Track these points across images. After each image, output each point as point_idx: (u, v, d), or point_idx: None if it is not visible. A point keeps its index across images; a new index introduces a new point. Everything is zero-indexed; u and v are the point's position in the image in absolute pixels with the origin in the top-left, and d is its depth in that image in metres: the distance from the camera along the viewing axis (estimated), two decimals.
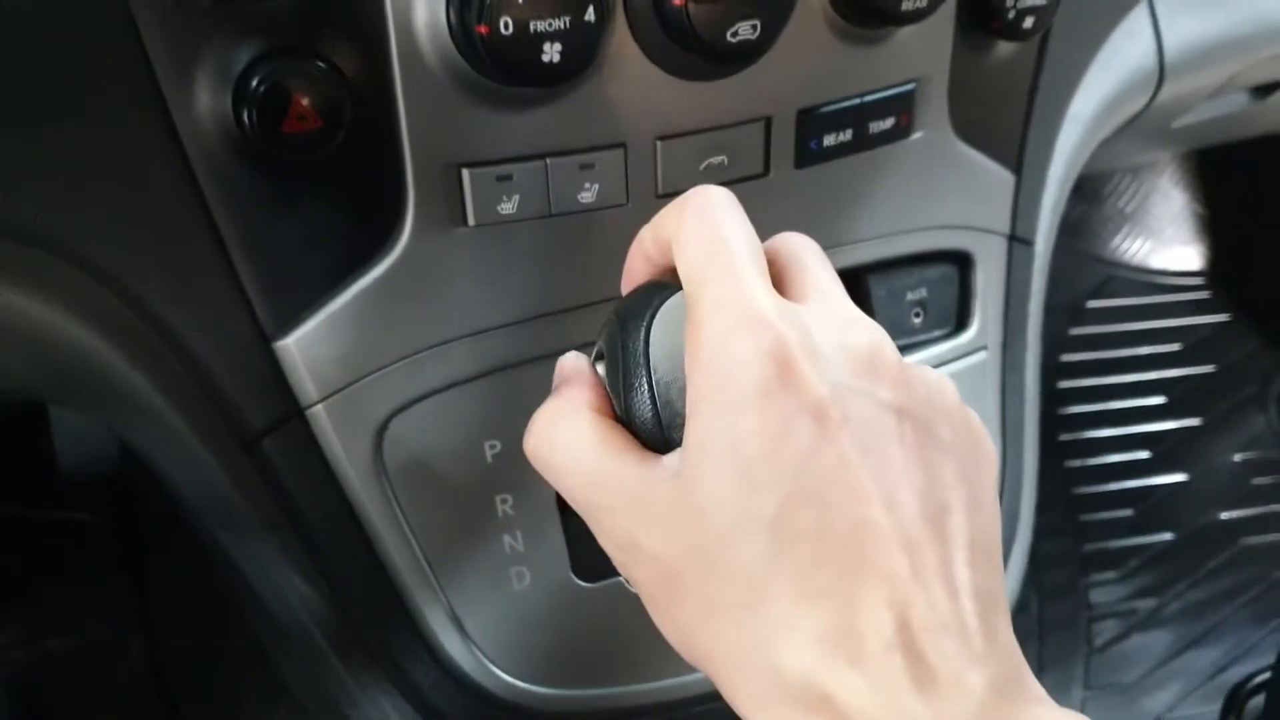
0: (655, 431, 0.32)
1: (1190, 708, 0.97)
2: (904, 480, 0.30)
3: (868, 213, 0.49)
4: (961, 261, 0.53)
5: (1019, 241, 0.55)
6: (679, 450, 0.31)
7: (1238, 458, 1.14)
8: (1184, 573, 1.05)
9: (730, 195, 0.33)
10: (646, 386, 0.32)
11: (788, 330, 0.30)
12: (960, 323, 0.53)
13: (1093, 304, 1.23)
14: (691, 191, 0.33)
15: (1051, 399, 1.15)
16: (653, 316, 0.33)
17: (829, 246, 0.48)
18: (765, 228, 0.47)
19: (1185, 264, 1.27)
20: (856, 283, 0.51)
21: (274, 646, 0.54)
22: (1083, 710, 0.97)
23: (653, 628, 0.46)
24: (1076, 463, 1.11)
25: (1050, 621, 1.00)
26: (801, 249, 0.35)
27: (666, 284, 0.34)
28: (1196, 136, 0.91)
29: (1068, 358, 1.20)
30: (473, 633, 0.44)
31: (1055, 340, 1.21)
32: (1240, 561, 1.06)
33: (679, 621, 0.31)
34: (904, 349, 0.52)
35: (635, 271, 0.36)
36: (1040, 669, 0.96)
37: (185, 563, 0.76)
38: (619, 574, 0.45)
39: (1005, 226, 0.54)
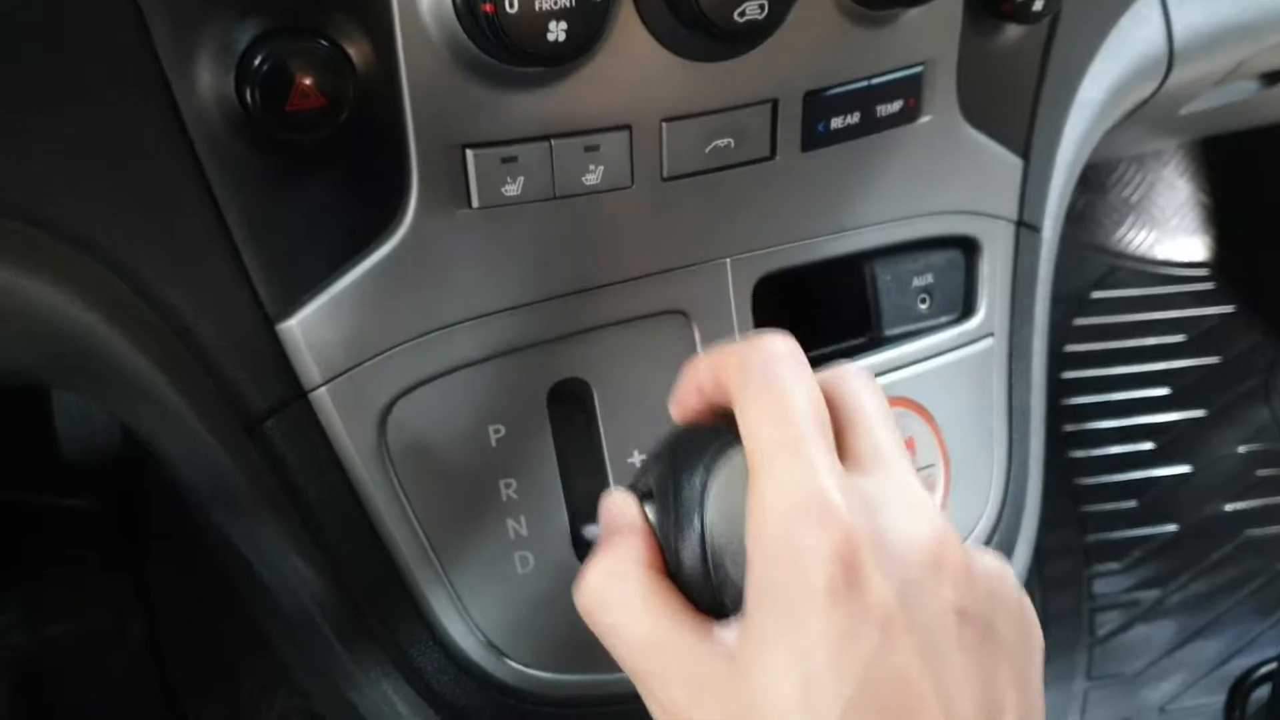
0: (705, 590, 0.31)
1: (1193, 699, 0.97)
2: (963, 688, 0.30)
3: (874, 197, 0.48)
4: (968, 247, 0.53)
5: (1026, 227, 0.54)
6: (736, 623, 0.30)
7: (1241, 449, 1.14)
8: (1187, 564, 1.05)
9: (795, 348, 0.33)
10: (700, 545, 0.31)
11: (855, 523, 0.29)
12: (967, 309, 0.53)
13: (1097, 295, 1.23)
14: (756, 342, 0.33)
15: (1055, 390, 1.15)
16: (710, 468, 0.32)
17: (835, 231, 0.48)
18: (772, 211, 0.47)
19: (1190, 255, 1.27)
20: (862, 268, 0.51)
21: (276, 630, 0.54)
22: (1085, 701, 0.97)
23: None
24: (1080, 453, 1.11)
25: (1053, 612, 1.00)
26: (862, 396, 0.34)
27: (723, 430, 0.33)
28: (1204, 124, 0.91)
29: (1072, 348, 1.20)
30: (476, 617, 0.44)
31: (1059, 331, 1.21)
32: (1244, 553, 1.06)
33: None
34: (910, 335, 0.52)
35: (687, 403, 0.35)
36: (1044, 659, 0.95)
37: (186, 548, 0.76)
38: None
39: (1013, 212, 0.53)
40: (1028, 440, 0.55)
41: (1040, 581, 1.01)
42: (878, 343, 0.51)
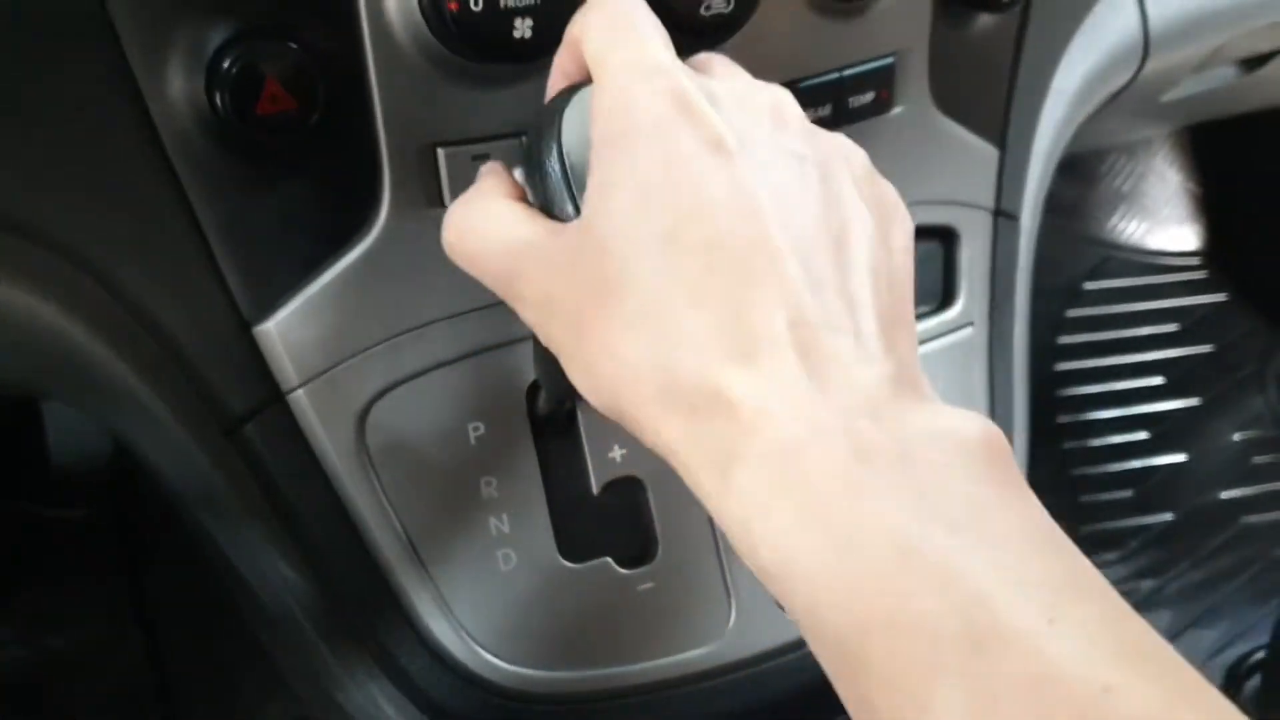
0: (566, 208, 0.32)
1: None
2: (801, 208, 0.30)
3: None
4: (946, 237, 0.53)
5: (1004, 216, 0.54)
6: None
7: (1237, 437, 1.14)
8: (1184, 553, 1.05)
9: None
10: (558, 164, 0.32)
11: (688, 79, 0.31)
12: (946, 298, 0.53)
13: (1090, 285, 1.23)
14: None
15: (1050, 381, 1.15)
16: (562, 104, 0.33)
17: None
18: None
19: (1182, 244, 1.27)
20: None
21: (264, 634, 0.54)
22: None
23: (642, 608, 0.46)
24: (1075, 444, 1.11)
25: None
26: (711, 55, 0.36)
27: (582, 83, 0.34)
28: (1189, 111, 0.91)
29: (1065, 340, 1.20)
30: (460, 616, 0.44)
31: (1053, 323, 1.21)
32: (1240, 541, 1.06)
33: (587, 361, 0.31)
34: None
35: (555, 90, 0.36)
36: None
37: (182, 557, 0.77)
38: (605, 554, 0.46)
39: (990, 201, 0.54)
40: (1010, 428, 0.55)
41: None
42: None
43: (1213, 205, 1.27)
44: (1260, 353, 1.20)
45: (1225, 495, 1.09)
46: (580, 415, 0.45)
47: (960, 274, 0.53)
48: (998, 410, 0.54)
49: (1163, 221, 1.27)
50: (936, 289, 0.53)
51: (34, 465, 0.78)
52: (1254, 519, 1.08)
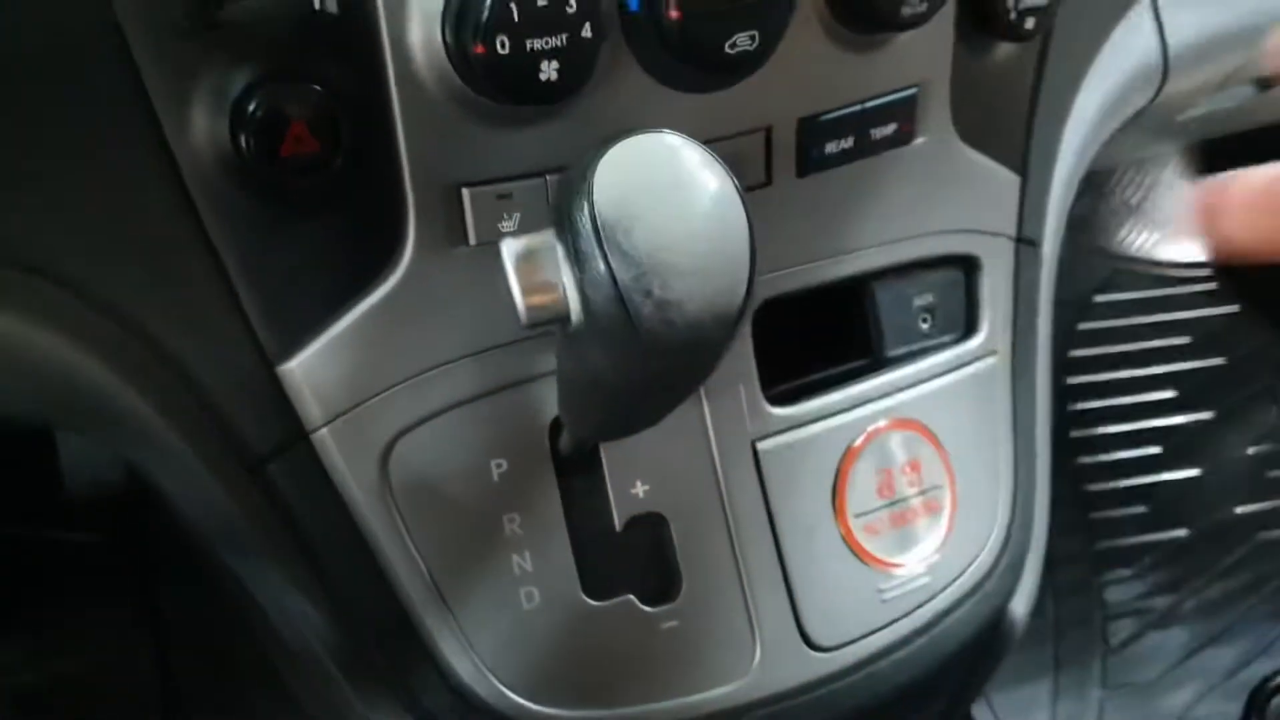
0: (598, 265, 0.31)
1: (1210, 706, 0.96)
2: None
3: (872, 219, 0.48)
4: (968, 265, 0.52)
5: (1026, 243, 0.54)
6: None
7: (1251, 451, 1.13)
8: (1200, 569, 1.04)
9: None
10: (590, 220, 0.31)
11: None
12: (969, 328, 0.53)
13: (1100, 298, 1.22)
14: None
15: (1061, 395, 1.15)
16: (596, 160, 0.32)
17: (833, 254, 0.48)
18: (769, 237, 0.47)
19: (1193, 256, 1.26)
20: (862, 290, 0.51)
21: (282, 664, 0.54)
22: (1101, 710, 0.97)
23: (666, 646, 0.46)
24: (1088, 459, 1.10)
25: (1065, 620, 0.99)
26: None
27: (615, 136, 0.32)
28: (1203, 128, 0.90)
29: (1076, 353, 1.19)
30: (483, 654, 0.44)
31: (1063, 336, 1.20)
32: (1257, 556, 1.05)
33: None
34: (912, 355, 0.52)
35: None
36: (1057, 667, 0.95)
37: (193, 581, 0.76)
38: (628, 591, 0.46)
39: (1012, 229, 0.53)
40: (1034, 456, 0.54)
41: (1052, 589, 1.01)
42: (880, 364, 0.51)
43: None
44: (1272, 366, 1.20)
45: (1240, 510, 1.09)
46: (603, 451, 0.45)
47: (983, 303, 0.53)
48: (1020, 440, 0.54)
49: (1174, 234, 1.26)
50: (959, 319, 0.53)
51: (47, 489, 0.78)
52: (1271, 534, 1.07)
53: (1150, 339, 1.22)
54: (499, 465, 0.44)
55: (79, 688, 0.78)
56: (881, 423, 0.50)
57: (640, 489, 0.45)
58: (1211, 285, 1.27)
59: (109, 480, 0.78)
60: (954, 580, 0.51)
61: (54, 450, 0.77)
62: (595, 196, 0.31)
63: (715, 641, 0.46)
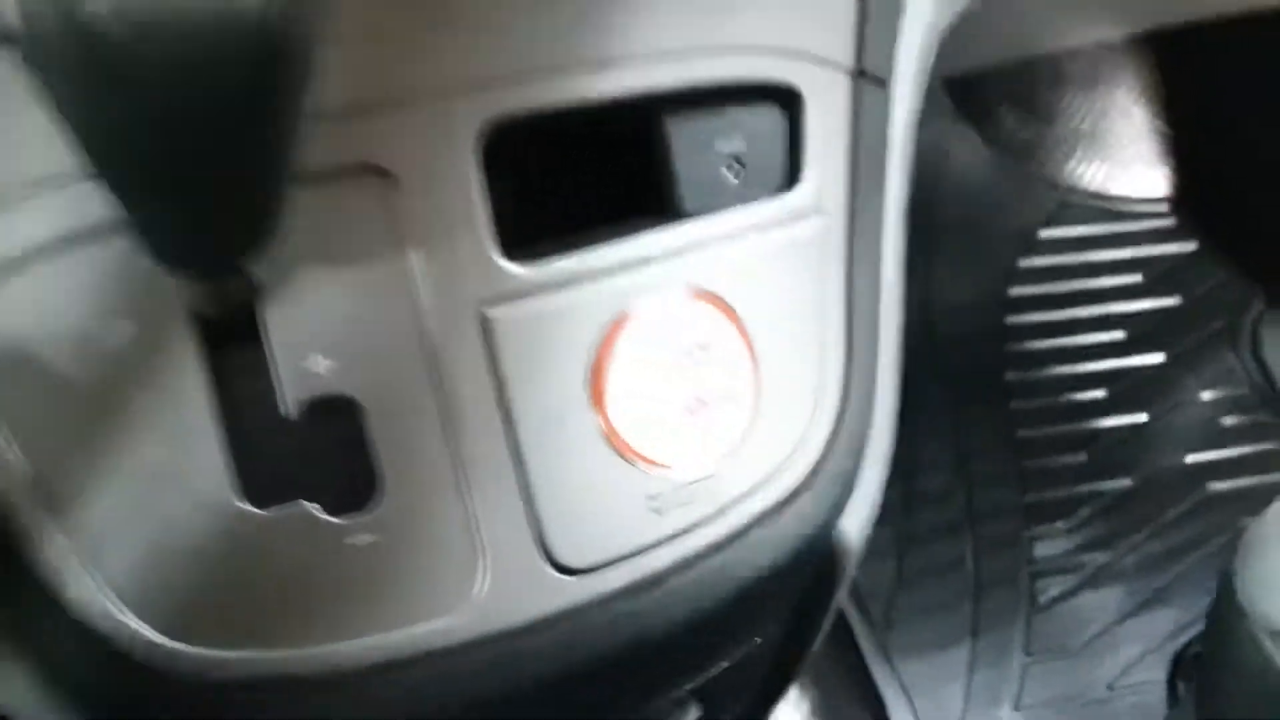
0: None
1: (1145, 673, 0.85)
2: None
3: (653, 14, 0.37)
4: (788, 100, 0.42)
5: (868, 79, 0.43)
6: None
7: (1205, 396, 1.03)
8: (1141, 522, 0.94)
9: None
10: None
11: None
12: (790, 180, 0.42)
13: (1045, 234, 1.12)
14: None
15: (996, 335, 1.04)
16: None
17: (599, 61, 0.37)
18: (505, 24, 0.36)
19: (1147, 188, 1.16)
20: (648, 123, 0.40)
21: None
22: (1023, 678, 0.86)
23: (358, 567, 0.35)
24: (1022, 404, 1.00)
25: (988, 578, 0.89)
26: None
27: None
28: (1145, 9, 0.80)
29: (1017, 291, 1.09)
30: (109, 575, 0.33)
31: (1004, 273, 1.10)
32: (1204, 509, 0.95)
33: None
34: (711, 210, 0.41)
35: None
36: (975, 632, 0.84)
37: None
38: (302, 496, 0.35)
39: (847, 58, 0.42)
40: (875, 344, 0.44)
41: (974, 545, 0.90)
42: (665, 221, 0.40)
43: (1181, 146, 1.16)
44: (1231, 306, 1.10)
45: (1190, 459, 0.98)
46: (266, 313, 0.34)
47: (806, 150, 0.42)
48: (857, 321, 0.43)
49: (1126, 164, 1.16)
50: (778, 166, 0.42)
51: None
52: (1221, 485, 0.97)
53: (1100, 277, 1.12)
54: (123, 329, 0.33)
55: None
56: (663, 291, 0.39)
57: (322, 364, 0.35)
58: (1167, 220, 1.16)
59: None
60: (755, 489, 0.40)
61: None
62: None
63: (426, 563, 0.36)
